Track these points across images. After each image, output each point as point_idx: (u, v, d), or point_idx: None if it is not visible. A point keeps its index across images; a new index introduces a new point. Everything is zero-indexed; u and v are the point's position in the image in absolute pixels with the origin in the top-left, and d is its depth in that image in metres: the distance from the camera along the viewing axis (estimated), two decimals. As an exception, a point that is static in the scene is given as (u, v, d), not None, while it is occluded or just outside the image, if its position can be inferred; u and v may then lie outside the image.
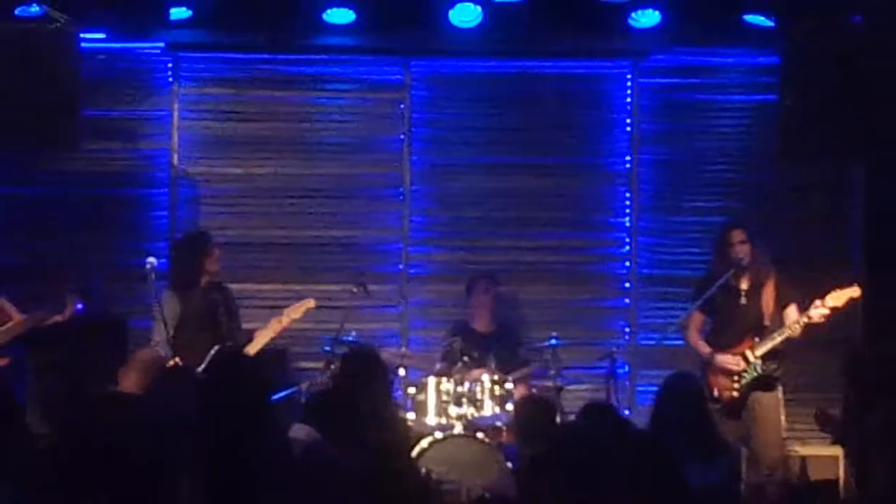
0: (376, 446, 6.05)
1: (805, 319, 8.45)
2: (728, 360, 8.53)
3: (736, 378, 8.54)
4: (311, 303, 8.80)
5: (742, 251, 8.60)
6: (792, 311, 8.61)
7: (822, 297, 8.48)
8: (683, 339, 8.87)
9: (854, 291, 8.56)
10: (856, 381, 9.50)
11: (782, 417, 8.66)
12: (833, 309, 8.47)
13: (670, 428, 6.29)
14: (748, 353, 8.53)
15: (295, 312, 8.73)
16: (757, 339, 8.54)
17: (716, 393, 8.53)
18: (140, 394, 6.97)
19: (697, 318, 8.79)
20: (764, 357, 8.52)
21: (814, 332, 8.65)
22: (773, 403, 8.61)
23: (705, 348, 8.65)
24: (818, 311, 8.45)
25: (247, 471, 5.22)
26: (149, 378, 7.21)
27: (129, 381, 7.49)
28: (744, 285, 8.72)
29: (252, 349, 8.53)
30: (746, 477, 7.77)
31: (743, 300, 8.71)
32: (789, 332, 8.48)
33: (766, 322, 8.63)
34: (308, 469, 5.52)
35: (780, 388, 8.66)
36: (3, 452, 5.22)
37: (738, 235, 8.64)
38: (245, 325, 8.97)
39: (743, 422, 8.56)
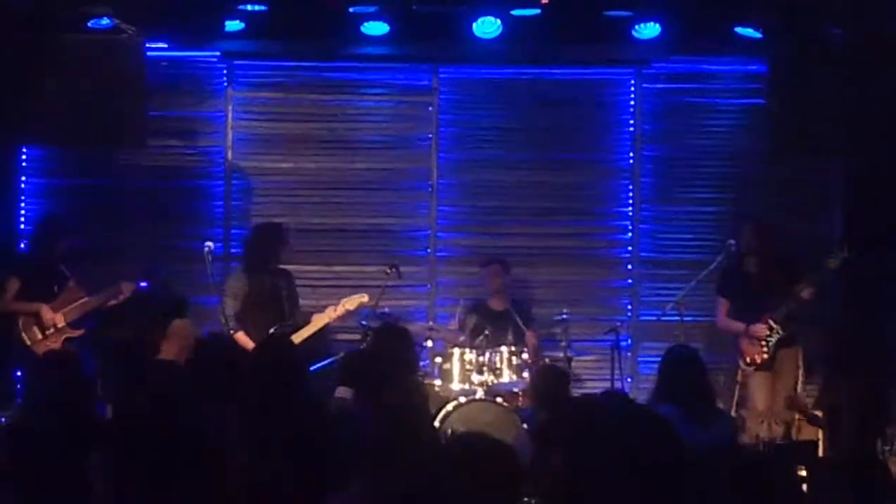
0: (398, 407, 5.95)
1: (808, 289, 8.79)
2: (759, 329, 8.88)
3: (764, 343, 8.87)
4: (364, 297, 8.86)
5: (747, 241, 8.99)
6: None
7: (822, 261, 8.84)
8: (717, 324, 9.17)
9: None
10: (831, 358, 9.63)
11: (800, 371, 9.02)
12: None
13: (673, 394, 6.32)
14: (770, 322, 8.85)
15: (350, 304, 8.81)
16: (773, 311, 8.85)
17: (748, 359, 8.93)
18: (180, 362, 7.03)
19: (725, 305, 9.11)
20: (783, 322, 8.84)
21: (799, 313, 8.90)
22: (791, 358, 8.97)
23: (739, 325, 8.99)
24: (820, 273, 8.82)
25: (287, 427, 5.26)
26: (187, 346, 7.33)
27: (170, 351, 7.63)
28: (753, 269, 9.03)
29: (309, 330, 8.67)
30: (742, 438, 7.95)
31: (756, 283, 8.99)
32: (795, 297, 8.81)
33: (776, 296, 8.87)
34: (340, 424, 5.58)
35: (799, 347, 9.01)
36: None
37: (748, 229, 9.02)
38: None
39: (769, 374, 8.94)
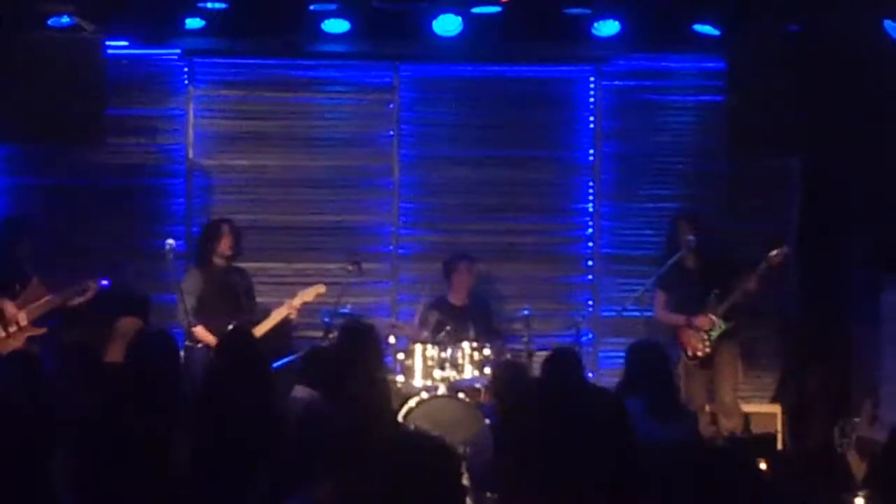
0: (364, 404, 6.06)
1: (752, 283, 8.83)
2: (703, 321, 8.89)
3: (705, 336, 8.89)
4: (321, 288, 8.86)
5: (689, 236, 8.91)
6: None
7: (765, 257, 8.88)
8: (656, 316, 9.23)
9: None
10: (793, 347, 9.66)
11: (738, 367, 9.08)
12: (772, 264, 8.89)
13: (637, 388, 6.31)
14: (712, 316, 8.89)
15: (307, 296, 8.80)
16: (715, 305, 8.89)
17: (689, 352, 8.93)
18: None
19: (662, 297, 9.14)
20: (725, 316, 8.90)
21: (753, 303, 9.00)
22: (731, 354, 9.00)
23: (678, 317, 9.03)
24: (763, 267, 8.84)
25: (248, 429, 5.28)
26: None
27: (117, 352, 7.46)
28: (691, 264, 9.03)
29: (267, 325, 8.67)
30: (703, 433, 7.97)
31: (695, 278, 9.02)
32: (739, 291, 8.85)
33: (713, 290, 8.92)
34: (305, 423, 5.52)
35: (737, 342, 9.05)
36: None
37: (685, 223, 8.98)
38: (257, 300, 9.05)
39: (710, 372, 8.96)
